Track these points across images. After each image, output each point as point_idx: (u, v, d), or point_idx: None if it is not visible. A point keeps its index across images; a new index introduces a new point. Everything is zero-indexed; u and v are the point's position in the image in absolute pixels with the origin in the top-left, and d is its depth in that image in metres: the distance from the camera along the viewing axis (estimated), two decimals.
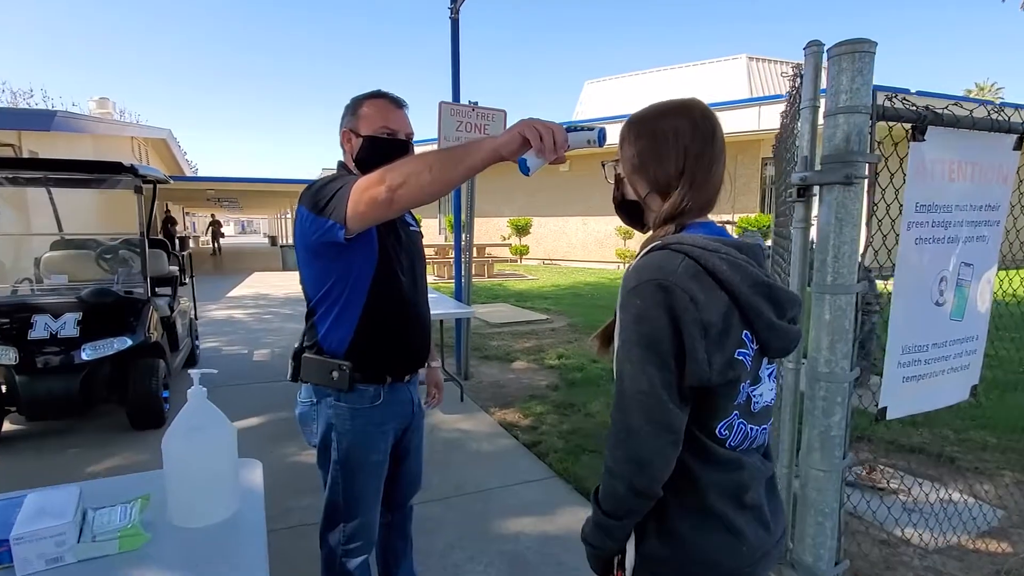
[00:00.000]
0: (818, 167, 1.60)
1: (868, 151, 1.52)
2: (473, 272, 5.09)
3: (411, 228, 1.69)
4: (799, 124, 1.70)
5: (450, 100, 4.13)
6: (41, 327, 3.52)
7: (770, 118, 12.95)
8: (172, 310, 4.71)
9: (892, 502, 2.81)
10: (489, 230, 18.45)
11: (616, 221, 16.15)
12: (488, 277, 13.54)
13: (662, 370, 0.85)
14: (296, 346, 1.63)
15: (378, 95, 1.58)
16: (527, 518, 2.74)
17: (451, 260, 13.70)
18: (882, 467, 3.20)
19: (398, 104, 1.58)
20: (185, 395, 1.26)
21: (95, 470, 3.27)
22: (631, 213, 1.07)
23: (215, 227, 25.16)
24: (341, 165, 1.64)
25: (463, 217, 4.53)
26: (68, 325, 3.56)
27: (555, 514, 2.78)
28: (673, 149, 0.94)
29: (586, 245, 17.46)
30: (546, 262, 17.90)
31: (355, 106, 1.57)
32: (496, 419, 4.08)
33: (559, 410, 4.21)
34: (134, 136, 16.10)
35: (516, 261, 17.44)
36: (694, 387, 0.87)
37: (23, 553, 1.06)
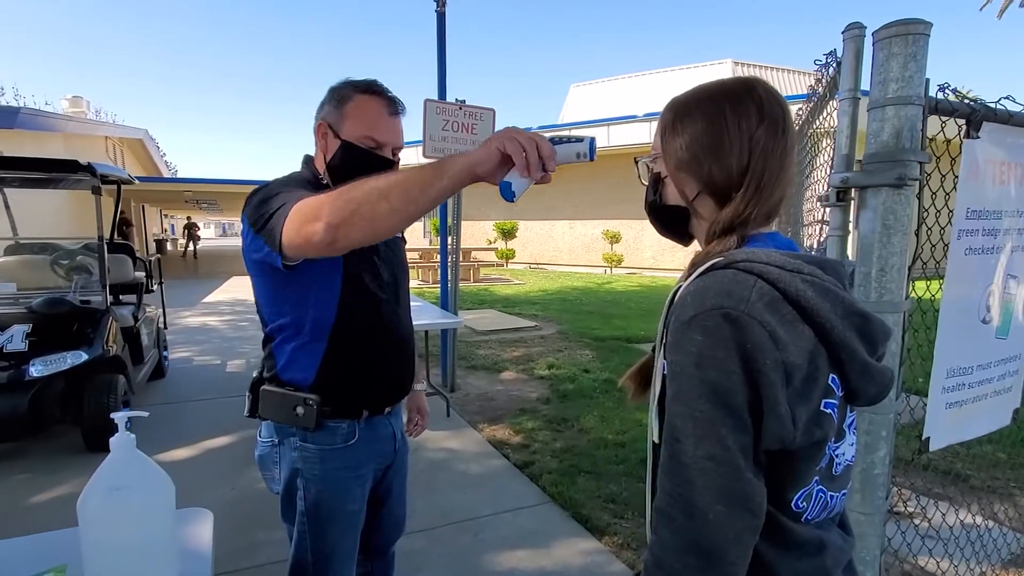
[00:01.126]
0: (856, 168, 1.41)
1: (920, 149, 1.33)
2: (459, 277, 4.85)
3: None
4: (837, 119, 1.49)
5: (435, 98, 3.90)
6: None
7: None
8: (136, 319, 4.40)
9: (907, 527, 2.63)
10: (475, 233, 18.22)
11: (604, 225, 16.26)
12: (474, 281, 13.30)
13: (737, 431, 0.63)
14: (255, 375, 1.38)
15: (372, 91, 1.28)
16: (521, 551, 2.51)
17: (436, 265, 13.48)
18: (895, 487, 3.02)
19: (393, 110, 1.30)
20: (155, 411, 1.01)
21: (43, 499, 2.97)
22: (670, 221, 0.84)
23: (190, 229, 24.69)
24: (307, 162, 1.36)
25: (449, 220, 4.29)
26: (15, 338, 3.25)
27: (551, 546, 2.55)
28: (737, 139, 0.74)
29: (573, 249, 17.31)
30: (532, 266, 17.70)
31: (341, 97, 1.28)
32: (485, 436, 3.83)
33: (551, 426, 3.98)
34: (108, 136, 15.64)
35: (502, 265, 17.21)
36: (772, 451, 0.66)
37: None
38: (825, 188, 1.55)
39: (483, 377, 5.29)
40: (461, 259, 12.23)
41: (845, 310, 0.69)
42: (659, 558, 0.66)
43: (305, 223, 1.00)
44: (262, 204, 1.14)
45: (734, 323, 0.64)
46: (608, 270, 15.88)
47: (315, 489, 1.32)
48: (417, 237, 19.84)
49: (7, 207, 4.77)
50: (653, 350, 0.78)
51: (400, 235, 1.48)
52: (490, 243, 17.85)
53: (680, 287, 0.74)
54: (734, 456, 0.63)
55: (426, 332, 4.52)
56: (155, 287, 5.37)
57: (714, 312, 0.65)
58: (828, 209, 1.53)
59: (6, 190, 4.60)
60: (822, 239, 1.62)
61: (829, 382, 0.68)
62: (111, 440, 1.00)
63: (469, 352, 6.07)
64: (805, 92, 2.20)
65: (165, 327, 5.43)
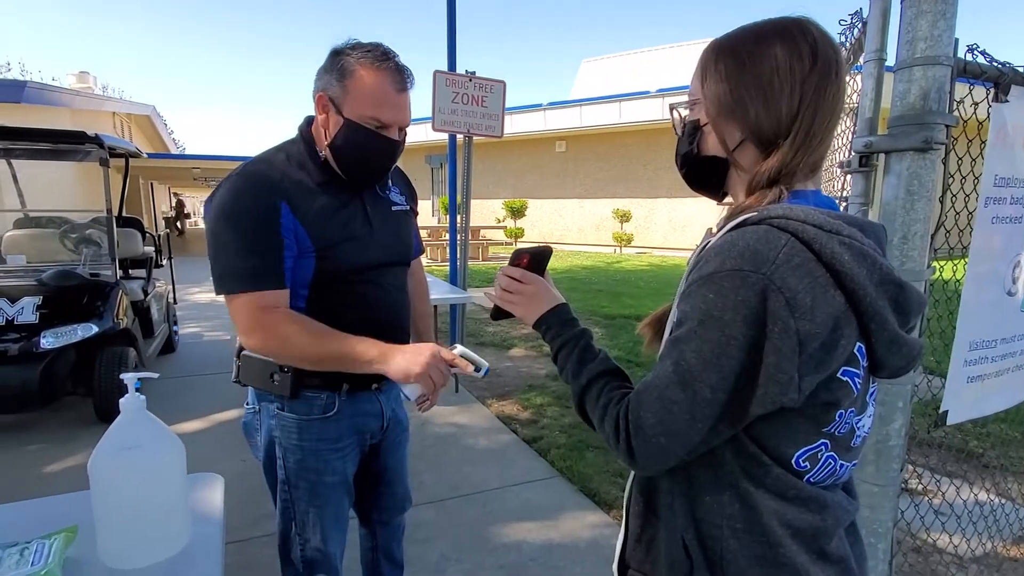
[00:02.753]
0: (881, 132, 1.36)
1: (947, 111, 1.28)
2: (468, 255, 4.83)
3: (395, 208, 1.40)
4: (860, 80, 1.44)
5: (445, 69, 3.83)
6: None
7: None
8: (146, 294, 4.42)
9: (920, 502, 2.62)
10: (484, 212, 18.13)
11: (614, 204, 16.11)
12: (483, 260, 13.27)
13: (715, 390, 0.64)
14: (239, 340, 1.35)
15: (380, 61, 1.17)
16: (528, 523, 2.52)
17: (445, 243, 13.45)
18: (908, 464, 3.00)
19: (401, 86, 1.20)
20: (165, 384, 1.02)
21: (56, 468, 3.01)
22: (706, 174, 0.79)
23: (179, 208, 25.04)
24: (306, 128, 1.27)
25: (459, 198, 4.25)
26: (27, 310, 3.27)
27: (559, 519, 2.56)
28: (787, 82, 0.68)
29: (582, 228, 17.19)
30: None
31: (343, 70, 1.17)
32: (493, 412, 3.84)
33: (560, 402, 3.98)
34: (116, 112, 15.60)
35: (511, 244, 17.14)
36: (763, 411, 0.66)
37: None
38: (848, 154, 1.50)
39: (491, 354, 5.29)
40: (470, 237, 12.23)
41: (881, 277, 0.65)
42: (606, 429, 0.74)
43: (243, 333, 1.21)
44: (212, 241, 1.18)
45: (750, 287, 0.62)
46: (618, 249, 15.78)
47: (293, 459, 1.30)
48: (426, 216, 19.77)
49: (15, 179, 4.77)
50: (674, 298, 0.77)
51: (405, 207, 1.44)
52: (499, 221, 17.75)
53: (708, 242, 0.71)
54: (696, 409, 0.65)
55: (435, 308, 4.51)
56: (164, 262, 5.38)
57: (732, 273, 0.63)
58: (849, 176, 1.49)
59: (14, 163, 4.59)
60: (842, 209, 1.58)
61: (855, 351, 0.66)
62: (121, 401, 1.00)
63: (478, 329, 6.08)
64: None
65: (175, 302, 5.46)
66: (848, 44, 1.61)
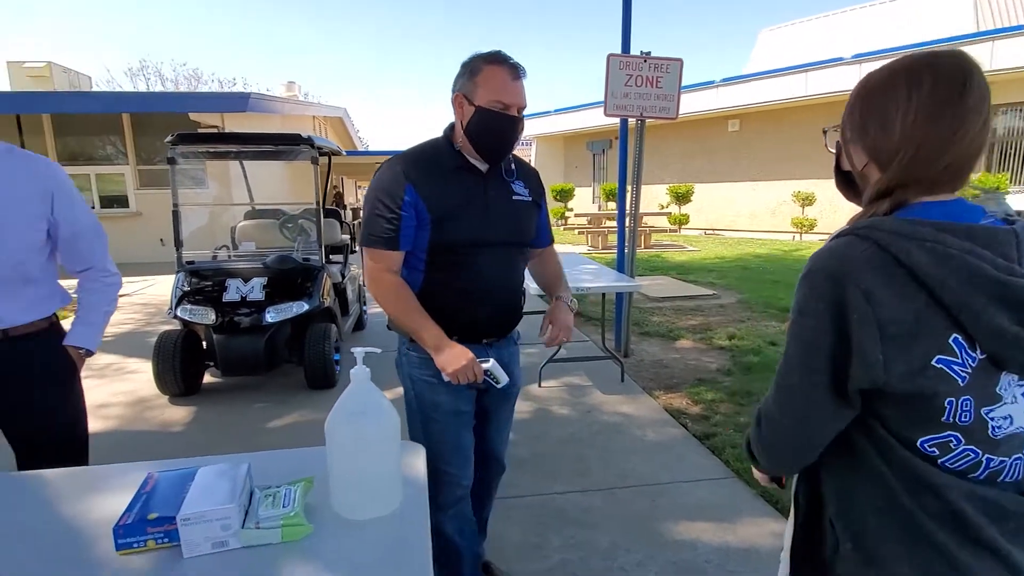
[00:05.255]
0: None
1: None
2: (628, 244, 4.73)
3: (515, 198, 1.64)
4: None
5: (619, 52, 3.75)
6: (233, 290, 3.85)
7: (1006, 54, 10.66)
8: (343, 276, 4.97)
9: None
10: (646, 198, 17.60)
11: (793, 186, 14.69)
12: (645, 247, 12.91)
13: (815, 372, 0.80)
14: None
15: (497, 60, 1.51)
16: (703, 523, 2.42)
17: (606, 230, 13.33)
18: None
19: (516, 74, 1.51)
20: (353, 358, 1.16)
21: (277, 425, 3.52)
22: (849, 187, 0.93)
23: (337, 199, 27.36)
24: (448, 131, 1.62)
25: (629, 185, 4.16)
26: (256, 289, 3.86)
27: (736, 523, 2.42)
28: (903, 106, 0.78)
29: (755, 213, 15.95)
30: (708, 232, 16.71)
31: (472, 70, 1.52)
32: (661, 403, 3.74)
33: (734, 399, 3.75)
34: (315, 115, 17.68)
35: (675, 231, 16.44)
36: (868, 389, 0.78)
37: (190, 535, 1.00)
38: None
39: (657, 344, 5.15)
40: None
41: (970, 275, 0.72)
42: (750, 440, 0.94)
43: (365, 277, 1.62)
44: (366, 207, 1.57)
45: (833, 282, 0.77)
46: (797, 236, 14.41)
47: (415, 389, 1.65)
48: (586, 202, 19.74)
49: (245, 177, 5.63)
50: None
51: (526, 198, 1.67)
52: (662, 208, 17.12)
53: None
54: (806, 386, 0.81)
55: (603, 296, 4.50)
56: (357, 248, 6.01)
57: (819, 271, 0.79)
58: None
59: (245, 163, 5.42)
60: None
61: (949, 342, 0.74)
62: (352, 371, 1.13)
63: (643, 319, 5.94)
64: None
65: (364, 284, 6.08)
66: None
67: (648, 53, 3.71)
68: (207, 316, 3.74)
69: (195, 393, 3.97)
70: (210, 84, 33.93)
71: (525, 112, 1.57)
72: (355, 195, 32.70)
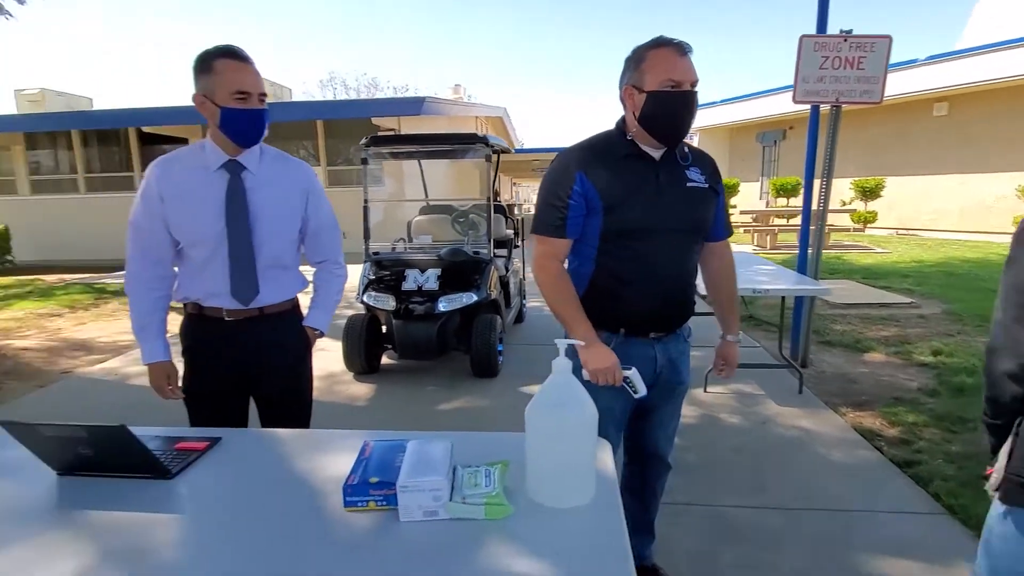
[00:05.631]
0: None
1: None
2: (812, 243, 4.30)
3: (690, 184, 1.60)
4: None
5: (813, 32, 3.41)
6: (411, 280, 4.16)
7: None
8: (507, 270, 5.14)
9: None
10: None
11: (1018, 179, 12.32)
12: (825, 248, 11.72)
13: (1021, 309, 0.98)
14: None
15: (660, 43, 1.49)
16: (907, 562, 2.12)
17: (772, 228, 12.34)
18: None
19: (682, 51, 1.47)
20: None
21: (445, 408, 3.74)
22: None
23: (494, 195, 27.80)
24: (620, 123, 1.61)
25: (818, 175, 3.77)
26: (431, 279, 4.13)
27: (950, 567, 2.08)
28: None
29: (963, 211, 13.73)
30: (900, 232, 14.70)
31: (637, 60, 1.51)
32: (848, 421, 3.35)
33: (942, 423, 3.25)
34: (477, 116, 18.53)
35: (859, 230, 14.66)
36: None
37: (406, 501, 1.08)
38: None
39: (840, 355, 4.64)
40: (815, 223, 10.92)
41: None
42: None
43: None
44: (539, 200, 1.63)
45: None
46: None
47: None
48: (751, 199, 18.41)
49: (422, 175, 6.05)
50: None
51: (702, 184, 1.62)
52: (844, 204, 15.35)
53: None
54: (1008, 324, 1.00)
55: (783, 299, 4.16)
56: (520, 243, 6.18)
57: None
58: None
59: (423, 162, 5.82)
60: None
61: None
62: (553, 362, 1.14)
63: (823, 326, 5.39)
64: None
65: (524, 278, 6.24)
66: None
67: (849, 32, 3.32)
68: (388, 303, 4.08)
69: (375, 372, 4.35)
70: (385, 91, 37.22)
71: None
72: (510, 192, 33.77)
